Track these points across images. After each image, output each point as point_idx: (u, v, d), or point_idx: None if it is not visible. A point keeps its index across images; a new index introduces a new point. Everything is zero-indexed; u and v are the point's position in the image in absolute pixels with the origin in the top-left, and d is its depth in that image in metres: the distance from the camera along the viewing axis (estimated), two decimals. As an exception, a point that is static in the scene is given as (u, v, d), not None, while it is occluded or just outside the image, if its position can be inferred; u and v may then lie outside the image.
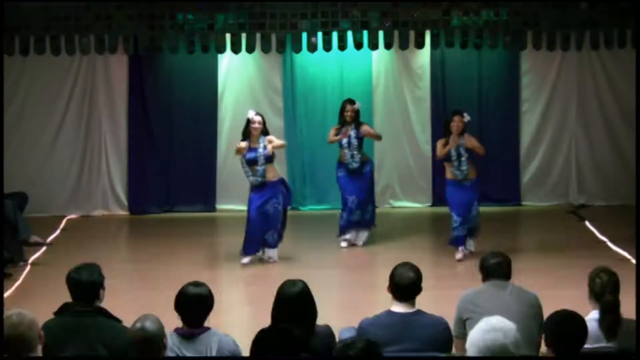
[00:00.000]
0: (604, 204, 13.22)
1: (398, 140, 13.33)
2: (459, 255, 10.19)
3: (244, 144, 9.92)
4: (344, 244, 10.91)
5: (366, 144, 11.10)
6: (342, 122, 10.81)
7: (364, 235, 11.03)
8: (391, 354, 5.03)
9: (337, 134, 10.83)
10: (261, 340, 4.23)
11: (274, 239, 10.08)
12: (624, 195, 12.91)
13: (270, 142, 10.01)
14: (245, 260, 10.05)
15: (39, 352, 4.21)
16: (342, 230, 10.95)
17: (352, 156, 10.77)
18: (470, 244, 10.37)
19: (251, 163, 9.94)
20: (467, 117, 10.22)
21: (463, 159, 10.19)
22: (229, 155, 12.89)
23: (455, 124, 10.19)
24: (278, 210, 9.99)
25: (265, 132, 10.03)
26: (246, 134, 10.01)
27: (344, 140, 10.75)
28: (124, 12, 11.96)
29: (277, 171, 10.31)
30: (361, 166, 10.85)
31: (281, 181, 10.18)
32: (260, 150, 9.90)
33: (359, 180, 10.85)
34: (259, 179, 9.92)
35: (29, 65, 12.67)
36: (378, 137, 11.32)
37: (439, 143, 10.37)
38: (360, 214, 10.87)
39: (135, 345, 4.48)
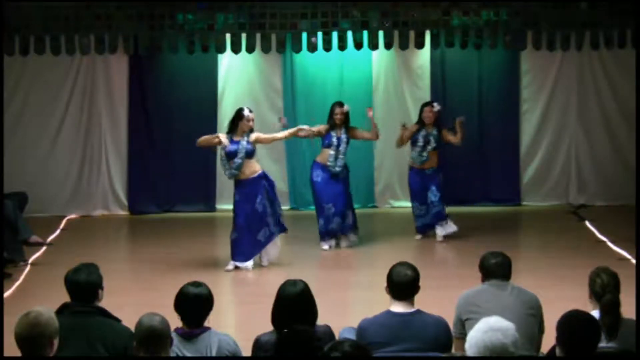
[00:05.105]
0: (604, 204, 13.24)
1: (398, 140, 13.33)
2: (418, 237, 11.00)
3: (224, 139, 9.60)
4: (325, 247, 10.77)
5: (367, 144, 11.08)
6: (332, 125, 10.63)
7: (351, 238, 10.86)
8: (391, 354, 5.03)
9: (322, 135, 10.61)
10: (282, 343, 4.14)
11: (266, 235, 9.80)
12: (624, 195, 12.91)
13: (257, 139, 9.73)
14: (248, 264, 9.86)
15: (53, 351, 4.19)
16: (323, 236, 10.76)
17: (337, 159, 10.56)
18: (451, 226, 10.88)
19: (230, 156, 9.61)
20: (436, 107, 10.84)
21: (429, 146, 10.74)
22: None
23: (426, 114, 10.79)
24: (265, 205, 9.72)
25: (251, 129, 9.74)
26: (233, 126, 9.73)
27: (334, 141, 10.56)
28: (124, 12, 11.97)
29: (258, 166, 9.86)
30: (341, 170, 10.65)
31: (262, 175, 9.78)
32: (244, 143, 9.60)
33: (336, 186, 10.62)
34: (234, 171, 9.61)
35: (29, 65, 12.68)
36: (375, 136, 10.89)
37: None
38: (340, 221, 10.67)
39: (142, 341, 4.42)
